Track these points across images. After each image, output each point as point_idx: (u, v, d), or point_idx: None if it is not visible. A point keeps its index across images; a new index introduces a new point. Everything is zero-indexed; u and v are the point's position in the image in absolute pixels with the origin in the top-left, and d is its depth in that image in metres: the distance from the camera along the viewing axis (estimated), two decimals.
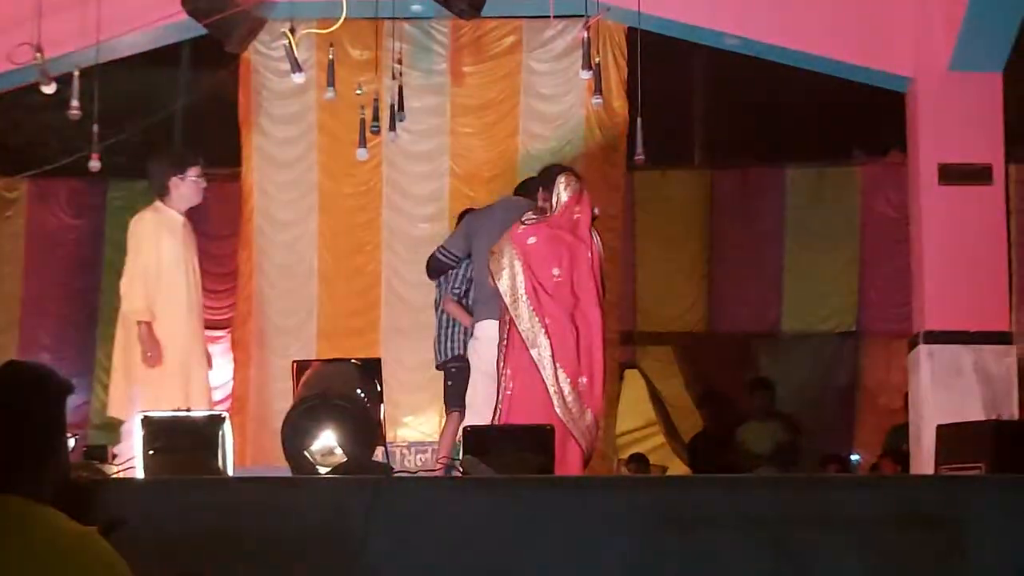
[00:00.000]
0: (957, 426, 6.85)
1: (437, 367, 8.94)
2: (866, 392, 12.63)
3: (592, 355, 7.95)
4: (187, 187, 8.47)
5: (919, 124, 9.27)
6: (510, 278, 7.93)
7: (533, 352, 7.83)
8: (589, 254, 8.02)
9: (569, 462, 7.73)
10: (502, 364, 7.97)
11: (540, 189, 8.28)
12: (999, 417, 7.86)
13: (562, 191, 8.08)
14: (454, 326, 8.83)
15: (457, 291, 8.80)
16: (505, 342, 7.99)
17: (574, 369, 7.85)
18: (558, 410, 7.76)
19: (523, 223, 8.09)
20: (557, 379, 7.81)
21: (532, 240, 7.98)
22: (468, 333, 8.62)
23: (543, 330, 7.85)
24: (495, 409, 7.90)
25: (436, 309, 9.00)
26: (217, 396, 11.35)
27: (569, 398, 7.81)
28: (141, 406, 7.19)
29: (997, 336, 9.03)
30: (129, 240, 8.46)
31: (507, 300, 7.92)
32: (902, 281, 10.00)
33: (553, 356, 7.82)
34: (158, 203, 8.46)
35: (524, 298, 7.90)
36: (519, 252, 7.96)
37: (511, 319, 7.92)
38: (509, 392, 7.89)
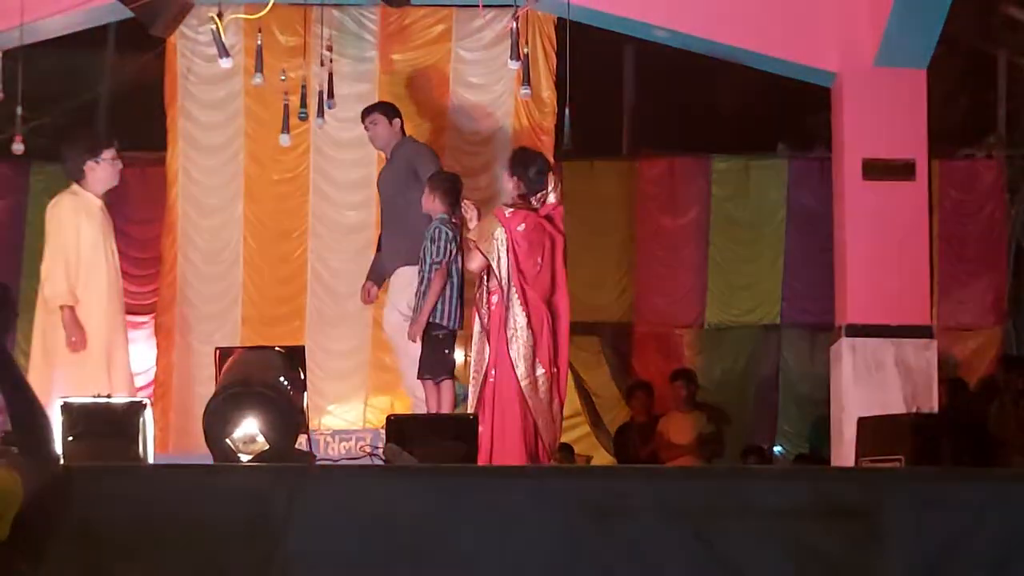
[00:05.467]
0: (877, 419, 6.94)
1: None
2: (789, 384, 12.72)
3: (561, 345, 8.04)
4: (102, 170, 8.39)
5: (844, 119, 9.34)
6: (497, 262, 8.00)
7: (513, 341, 7.89)
8: (564, 245, 8.13)
9: (538, 454, 7.82)
10: (488, 350, 8.01)
11: (511, 174, 8.33)
12: (919, 411, 7.94)
13: (550, 191, 8.17)
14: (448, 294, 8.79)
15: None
16: (488, 327, 8.04)
17: (548, 359, 7.93)
18: (530, 401, 7.83)
19: (508, 207, 8.17)
20: (534, 369, 7.87)
21: (522, 227, 8.05)
22: (449, 299, 8.65)
23: (527, 320, 7.92)
24: (478, 395, 7.97)
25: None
26: (140, 382, 11.27)
27: (542, 388, 7.89)
28: (62, 391, 7.12)
29: (918, 330, 9.12)
30: (48, 224, 8.38)
31: (501, 284, 7.99)
32: (825, 275, 10.08)
33: (534, 347, 7.88)
34: (75, 186, 8.38)
35: (512, 286, 7.96)
36: (508, 237, 8.03)
37: (499, 303, 7.97)
38: (492, 380, 7.95)
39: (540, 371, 7.91)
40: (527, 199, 8.21)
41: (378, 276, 9.41)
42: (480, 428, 7.64)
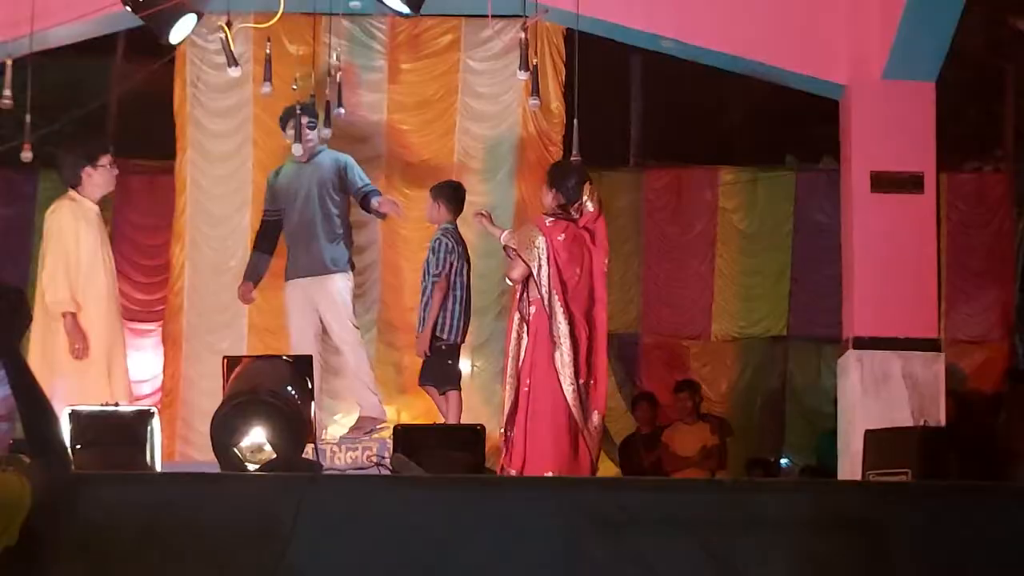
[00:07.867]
0: (884, 432, 6.93)
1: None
2: (796, 397, 12.71)
3: (598, 357, 8.06)
4: (99, 176, 8.41)
5: (852, 132, 9.33)
6: (538, 271, 8.01)
7: (557, 350, 7.90)
8: (605, 259, 8.14)
9: (580, 464, 7.84)
10: (521, 358, 8.03)
11: (550, 188, 8.33)
12: (926, 424, 7.93)
13: (587, 201, 8.18)
14: (451, 307, 8.88)
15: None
16: (525, 335, 8.05)
17: (585, 371, 7.96)
18: (575, 411, 7.85)
19: (549, 217, 8.18)
20: (577, 379, 7.89)
21: (562, 237, 8.07)
22: (452, 312, 8.81)
23: (569, 328, 7.93)
24: (513, 404, 7.99)
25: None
26: (147, 390, 11.27)
27: (584, 399, 7.91)
28: (64, 399, 7.10)
29: (926, 343, 9.10)
30: (47, 230, 8.38)
31: (542, 292, 7.99)
32: (833, 287, 10.07)
33: (575, 357, 7.89)
34: (72, 193, 8.39)
35: (553, 294, 7.97)
36: (549, 246, 8.04)
37: (538, 312, 7.97)
38: (527, 389, 7.96)
39: (581, 381, 7.95)
40: (566, 209, 8.22)
41: (257, 276, 9.44)
42: (512, 433, 7.73)
